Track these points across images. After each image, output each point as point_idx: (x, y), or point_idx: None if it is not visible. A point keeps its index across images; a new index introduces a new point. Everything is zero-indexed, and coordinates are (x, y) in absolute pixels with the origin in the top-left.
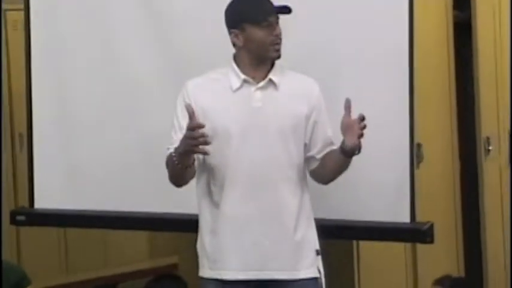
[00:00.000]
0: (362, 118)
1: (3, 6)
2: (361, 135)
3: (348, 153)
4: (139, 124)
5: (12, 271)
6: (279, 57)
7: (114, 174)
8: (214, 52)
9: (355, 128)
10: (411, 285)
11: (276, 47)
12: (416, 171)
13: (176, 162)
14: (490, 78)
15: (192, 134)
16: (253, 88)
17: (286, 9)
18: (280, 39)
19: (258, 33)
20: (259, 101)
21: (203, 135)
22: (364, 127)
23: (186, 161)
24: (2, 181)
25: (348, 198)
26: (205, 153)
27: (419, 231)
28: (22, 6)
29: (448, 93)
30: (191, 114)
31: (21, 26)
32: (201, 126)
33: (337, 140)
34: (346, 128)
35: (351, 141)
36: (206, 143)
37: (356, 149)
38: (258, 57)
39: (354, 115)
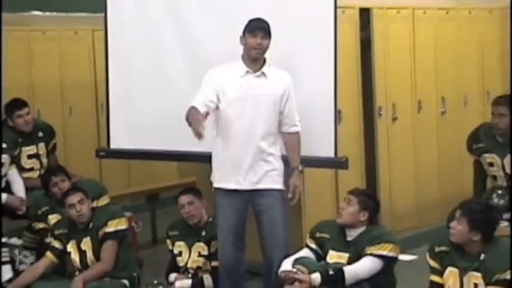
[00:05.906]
0: None
1: (94, 27)
2: None
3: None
4: (173, 94)
5: (96, 184)
6: (257, 57)
7: (159, 127)
8: (221, 53)
9: None
10: (334, 194)
11: (256, 50)
12: (338, 126)
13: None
14: (381, 71)
15: (196, 130)
16: (252, 76)
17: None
18: (261, 46)
19: (247, 39)
20: (255, 84)
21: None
22: None
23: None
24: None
25: None
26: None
27: (340, 162)
28: (103, 27)
29: (357, 79)
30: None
31: (102, 39)
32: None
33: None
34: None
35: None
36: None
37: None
38: (248, 55)
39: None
